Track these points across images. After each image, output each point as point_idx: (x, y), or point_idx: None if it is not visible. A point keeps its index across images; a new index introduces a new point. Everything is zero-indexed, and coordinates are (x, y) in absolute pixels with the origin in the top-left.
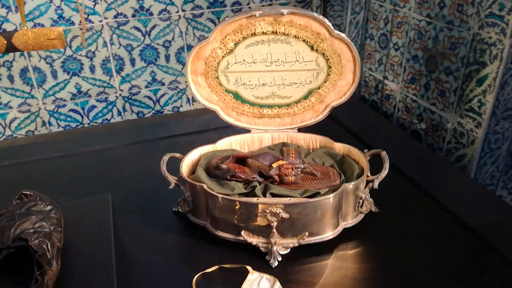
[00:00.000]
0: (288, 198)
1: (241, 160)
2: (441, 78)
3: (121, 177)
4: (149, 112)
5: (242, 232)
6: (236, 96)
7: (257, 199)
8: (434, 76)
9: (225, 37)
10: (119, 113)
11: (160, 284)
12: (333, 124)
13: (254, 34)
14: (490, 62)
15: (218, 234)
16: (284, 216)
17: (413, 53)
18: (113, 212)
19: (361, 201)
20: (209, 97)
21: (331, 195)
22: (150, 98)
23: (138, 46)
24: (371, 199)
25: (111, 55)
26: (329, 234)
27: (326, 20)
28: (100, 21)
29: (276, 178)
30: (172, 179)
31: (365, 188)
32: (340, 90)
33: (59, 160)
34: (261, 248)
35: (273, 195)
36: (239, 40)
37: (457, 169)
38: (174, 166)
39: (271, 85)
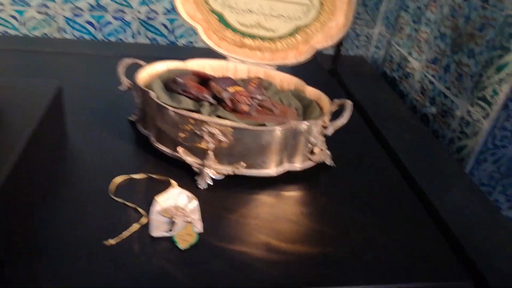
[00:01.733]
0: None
1: (204, 82)
2: (462, 60)
3: (99, 84)
4: (162, 40)
5: (178, 148)
6: (221, 18)
7: (195, 114)
8: (457, 58)
9: None
10: (133, 35)
11: (87, 180)
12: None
13: None
14: None
15: (157, 147)
16: (221, 139)
17: (442, 30)
18: (61, 102)
19: (311, 146)
20: (193, 14)
21: (276, 128)
22: (166, 27)
23: None
24: (328, 151)
25: None
26: (269, 171)
27: None
28: None
29: (229, 102)
30: (126, 82)
31: (319, 134)
32: (329, 33)
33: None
34: (194, 168)
35: (220, 118)
36: None
37: (453, 160)
38: None
39: (257, 13)
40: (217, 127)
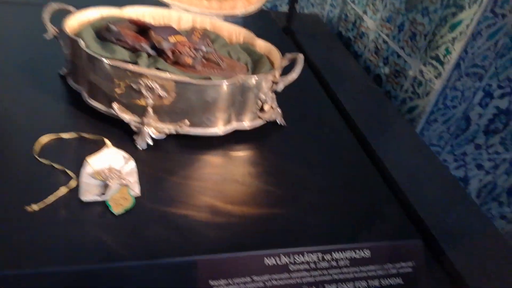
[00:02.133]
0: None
1: (143, 31)
2: (416, 19)
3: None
4: None
5: (114, 105)
6: None
7: (130, 66)
8: (411, 17)
9: None
10: None
11: (9, 140)
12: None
13: None
14: (468, 6)
15: (90, 103)
16: (161, 94)
17: None
18: None
19: (261, 103)
20: None
21: (222, 82)
22: None
23: None
24: (279, 110)
25: None
26: (216, 129)
27: None
28: None
29: (170, 54)
30: (52, 30)
31: (269, 91)
32: None
33: None
34: (132, 127)
35: (160, 71)
36: None
37: (404, 120)
38: None
39: None
40: (156, 81)
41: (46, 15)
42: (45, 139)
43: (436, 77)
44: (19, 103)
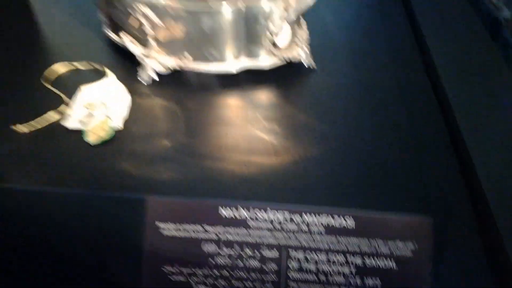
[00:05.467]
0: None
1: None
2: None
3: None
4: None
5: (122, 34)
6: None
7: None
8: None
9: None
10: None
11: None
12: None
13: None
14: None
15: (106, 33)
16: (155, 22)
17: None
18: None
19: (270, 34)
20: None
21: (220, 6)
22: None
23: None
24: (305, 47)
25: None
26: (223, 66)
27: None
28: None
29: None
30: None
31: (283, 21)
32: None
33: None
34: (138, 58)
35: None
36: None
37: None
38: None
39: None
40: (146, 6)
41: None
42: (59, 67)
43: None
44: (57, 24)
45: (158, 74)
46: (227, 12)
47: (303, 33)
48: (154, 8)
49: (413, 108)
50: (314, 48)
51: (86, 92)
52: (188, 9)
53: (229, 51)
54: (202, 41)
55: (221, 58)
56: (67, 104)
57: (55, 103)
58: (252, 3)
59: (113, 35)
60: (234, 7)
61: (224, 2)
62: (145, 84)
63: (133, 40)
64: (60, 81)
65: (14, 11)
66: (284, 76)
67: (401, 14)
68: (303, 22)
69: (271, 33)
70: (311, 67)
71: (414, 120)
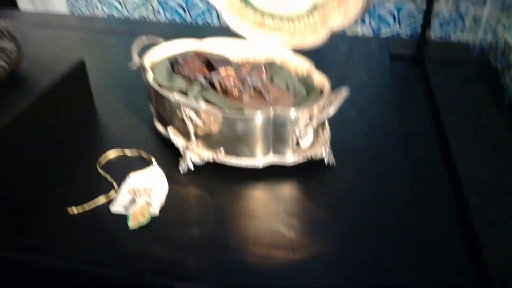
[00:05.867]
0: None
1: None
2: None
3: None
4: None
5: (169, 128)
6: None
7: (167, 94)
8: None
9: None
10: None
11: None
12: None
13: None
14: None
15: (155, 125)
16: (196, 123)
17: None
18: (86, 75)
19: (294, 137)
20: None
21: (252, 114)
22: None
23: None
24: (326, 146)
25: None
26: (251, 161)
27: None
28: None
29: (217, 85)
30: (137, 60)
31: (307, 126)
32: (346, 10)
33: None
34: (180, 150)
35: (207, 101)
36: None
37: None
38: None
39: None
40: (191, 110)
41: (134, 47)
42: (111, 153)
43: None
44: (116, 117)
45: (194, 165)
46: (259, 119)
47: (325, 132)
48: (197, 112)
49: (430, 211)
50: (335, 144)
51: (134, 179)
52: (226, 116)
53: (258, 149)
54: (236, 140)
55: (251, 155)
56: (115, 190)
57: (105, 186)
58: (281, 112)
59: (161, 127)
60: (265, 114)
61: (258, 112)
62: (182, 172)
63: (177, 133)
64: (110, 165)
65: (77, 101)
66: (306, 171)
67: (423, 113)
68: (326, 121)
69: (296, 137)
70: (331, 164)
71: (430, 226)
